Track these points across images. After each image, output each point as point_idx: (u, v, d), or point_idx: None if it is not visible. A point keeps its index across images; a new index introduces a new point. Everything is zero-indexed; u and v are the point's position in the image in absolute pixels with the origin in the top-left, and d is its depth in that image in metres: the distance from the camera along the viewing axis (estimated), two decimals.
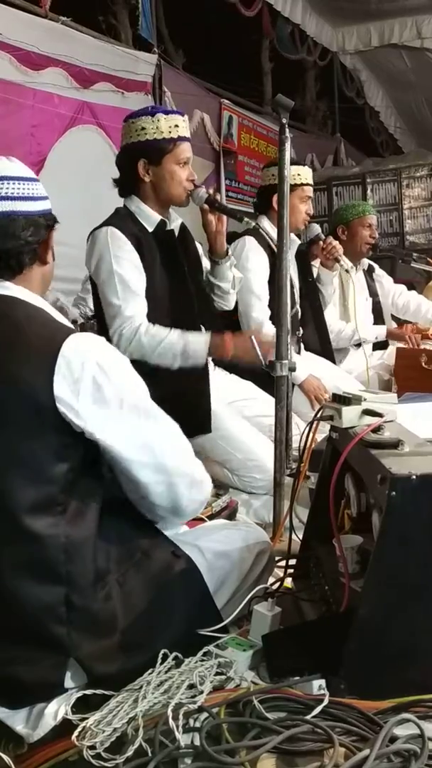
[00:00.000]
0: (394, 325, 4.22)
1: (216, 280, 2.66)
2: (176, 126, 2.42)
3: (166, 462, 1.44)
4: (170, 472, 1.45)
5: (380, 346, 4.00)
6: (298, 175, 3.28)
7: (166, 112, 2.45)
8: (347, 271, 3.43)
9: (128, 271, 2.38)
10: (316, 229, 3.39)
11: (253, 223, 2.58)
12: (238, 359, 2.36)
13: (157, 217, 2.50)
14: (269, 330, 2.96)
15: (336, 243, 3.40)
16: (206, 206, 2.53)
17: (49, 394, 1.29)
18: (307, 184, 3.32)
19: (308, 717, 1.20)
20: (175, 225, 2.57)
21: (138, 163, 2.45)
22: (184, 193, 2.49)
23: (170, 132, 2.41)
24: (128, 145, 2.49)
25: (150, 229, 2.48)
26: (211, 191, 2.55)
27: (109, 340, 2.34)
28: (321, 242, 3.39)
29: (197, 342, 2.34)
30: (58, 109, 4.90)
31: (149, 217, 2.49)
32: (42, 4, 4.71)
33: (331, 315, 3.67)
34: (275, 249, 3.11)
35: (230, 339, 2.36)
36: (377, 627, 1.30)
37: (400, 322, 4.25)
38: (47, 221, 1.45)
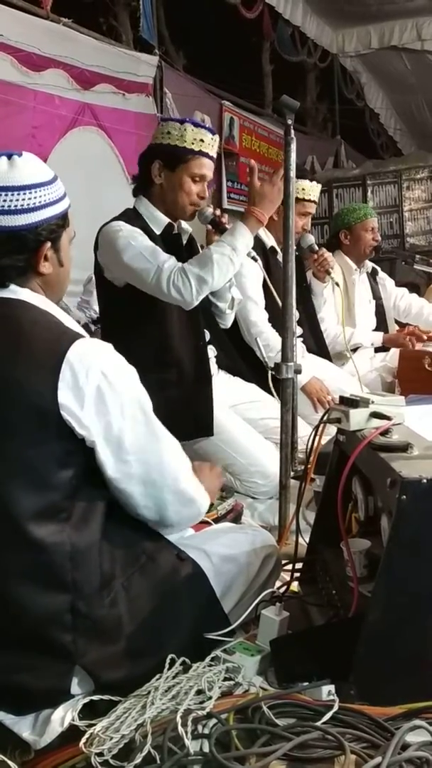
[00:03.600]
0: (396, 327, 4.21)
1: (214, 299, 2.64)
2: (201, 140, 2.41)
3: (156, 477, 1.42)
4: (159, 487, 1.43)
5: (383, 348, 3.99)
6: (302, 189, 3.26)
7: (196, 125, 2.44)
8: (337, 284, 3.39)
9: (148, 241, 2.36)
10: (310, 239, 3.36)
11: (253, 253, 2.57)
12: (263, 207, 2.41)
13: (165, 220, 2.49)
14: (270, 334, 2.95)
15: (329, 255, 3.34)
16: (210, 227, 2.52)
17: (53, 401, 1.28)
18: (309, 200, 3.30)
19: (318, 723, 1.19)
20: (183, 231, 2.56)
21: (153, 163, 2.45)
22: (190, 208, 2.47)
23: (193, 144, 2.40)
24: (151, 145, 2.50)
25: (157, 232, 2.47)
26: (218, 212, 2.53)
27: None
28: (314, 254, 3.34)
29: (236, 236, 2.37)
30: (58, 111, 4.90)
31: (157, 219, 2.48)
32: (43, 5, 4.71)
33: (329, 320, 3.65)
34: (268, 254, 3.12)
35: (254, 211, 2.41)
36: (387, 632, 1.28)
37: (402, 325, 4.24)
38: (37, 234, 1.38)
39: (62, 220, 1.44)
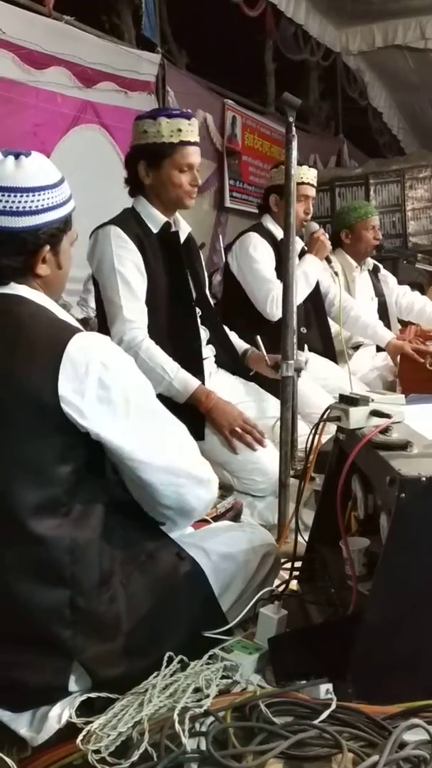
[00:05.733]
0: (398, 326, 4.20)
1: None
2: (179, 130, 2.37)
3: (172, 462, 1.42)
4: (177, 473, 1.43)
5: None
6: None
7: (170, 116, 2.39)
8: (336, 273, 3.37)
9: (130, 271, 2.36)
10: (315, 226, 3.35)
11: None
12: (210, 419, 2.37)
13: (163, 219, 2.48)
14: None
15: (324, 240, 3.30)
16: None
17: (53, 394, 1.28)
18: (303, 183, 3.28)
19: (316, 722, 1.18)
20: (181, 230, 2.55)
21: (139, 164, 2.44)
22: (186, 199, 2.46)
23: (171, 136, 2.37)
24: (132, 146, 2.48)
25: (155, 231, 2.47)
26: (320, 231, 2.53)
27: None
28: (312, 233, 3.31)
29: (183, 384, 2.33)
30: (61, 108, 4.90)
31: (155, 218, 2.48)
32: (46, 3, 4.71)
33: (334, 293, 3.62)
34: (279, 245, 3.11)
35: (212, 399, 2.36)
36: (385, 630, 1.28)
37: (404, 323, 4.24)
38: (37, 237, 1.38)
39: (64, 224, 1.43)
